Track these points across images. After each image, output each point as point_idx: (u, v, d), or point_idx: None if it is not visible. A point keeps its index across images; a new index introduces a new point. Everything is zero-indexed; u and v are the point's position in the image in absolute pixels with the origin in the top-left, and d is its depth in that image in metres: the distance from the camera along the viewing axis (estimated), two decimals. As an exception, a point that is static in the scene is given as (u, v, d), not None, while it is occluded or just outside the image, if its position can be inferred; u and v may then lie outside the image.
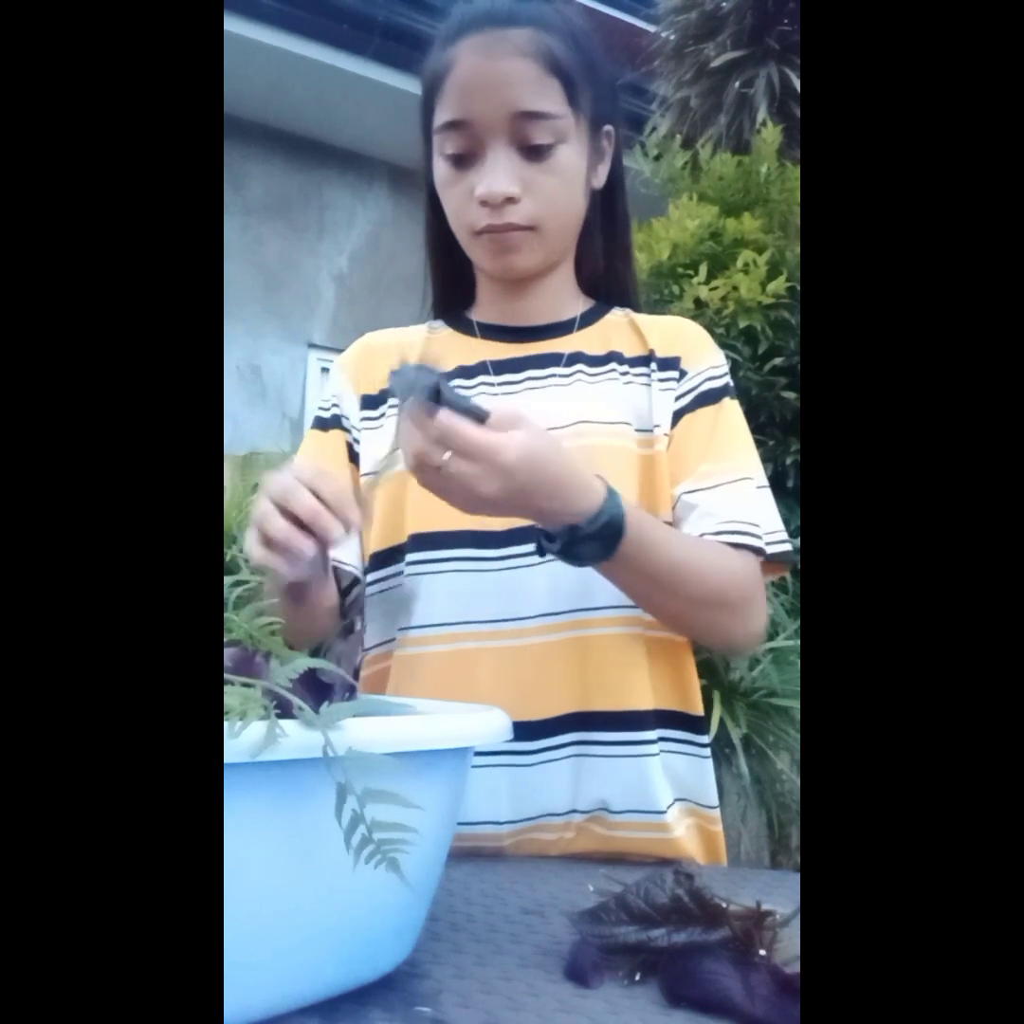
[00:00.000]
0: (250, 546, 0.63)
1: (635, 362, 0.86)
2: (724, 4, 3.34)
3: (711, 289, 2.00)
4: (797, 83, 3.14)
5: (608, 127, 0.86)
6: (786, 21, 3.31)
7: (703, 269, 2.03)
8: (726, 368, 0.88)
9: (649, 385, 0.85)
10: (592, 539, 0.67)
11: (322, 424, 0.90)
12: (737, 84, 3.22)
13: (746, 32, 3.27)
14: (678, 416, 0.84)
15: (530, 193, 0.80)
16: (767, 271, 2.00)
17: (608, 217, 0.90)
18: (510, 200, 0.79)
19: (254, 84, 3.55)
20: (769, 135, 2.24)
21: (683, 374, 0.85)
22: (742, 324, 1.97)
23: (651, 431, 0.83)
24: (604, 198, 0.88)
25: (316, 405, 0.93)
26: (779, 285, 1.98)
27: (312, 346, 4.03)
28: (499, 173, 0.79)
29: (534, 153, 0.79)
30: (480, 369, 0.86)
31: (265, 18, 3.34)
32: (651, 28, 3.45)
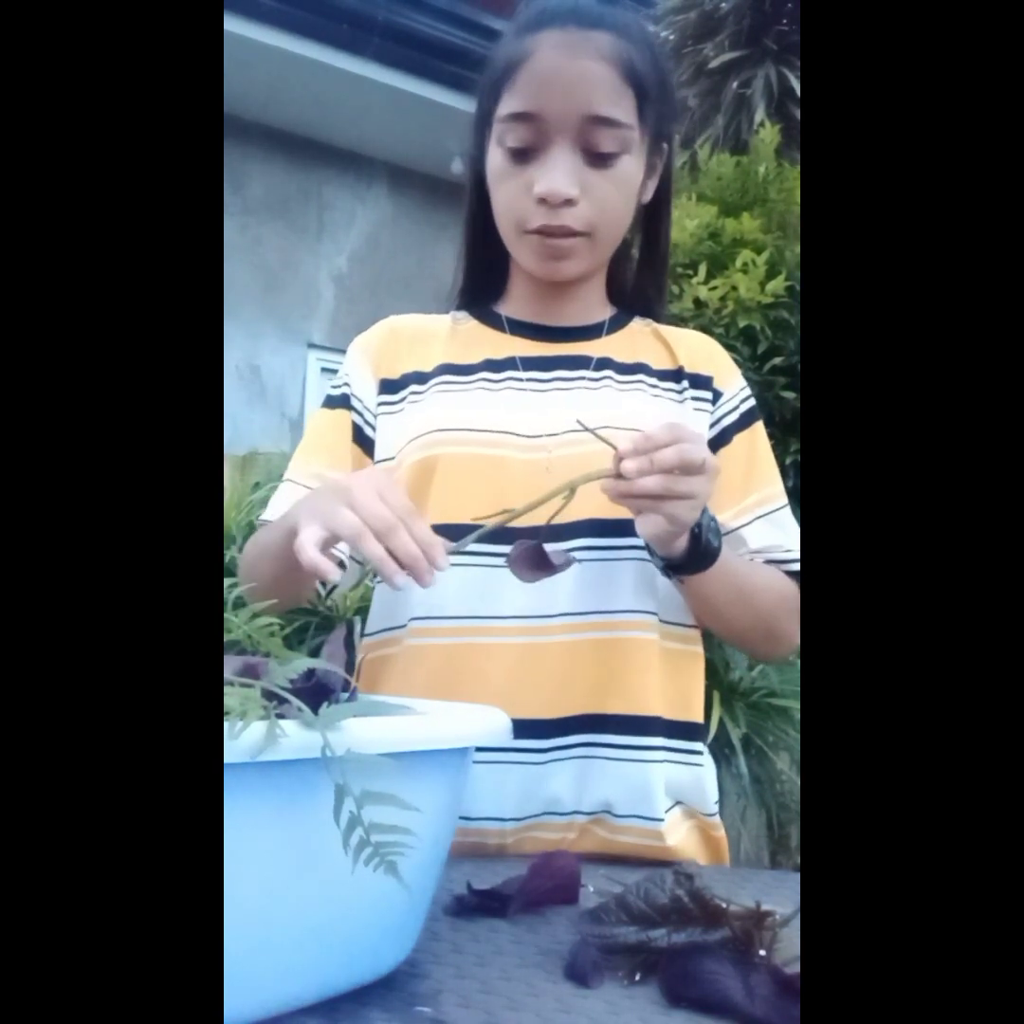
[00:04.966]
0: (309, 546, 0.62)
1: (663, 375, 0.87)
2: (723, 5, 3.35)
3: (710, 289, 2.00)
4: (795, 83, 3.15)
5: (665, 145, 0.86)
6: (784, 21, 3.32)
7: (702, 269, 2.03)
8: (749, 389, 0.90)
9: (682, 402, 0.86)
10: (712, 529, 0.72)
11: (330, 402, 0.90)
12: (735, 84, 3.22)
13: (744, 33, 3.28)
14: (716, 445, 0.86)
15: (588, 197, 0.79)
16: (766, 271, 2.00)
17: (651, 233, 0.91)
18: (568, 202, 0.79)
19: (254, 84, 3.55)
20: (767, 135, 2.24)
21: (717, 395, 0.87)
22: (741, 324, 1.97)
23: None
24: (649, 214, 0.89)
25: (329, 383, 0.93)
26: (778, 285, 1.97)
27: (311, 346, 4.03)
28: (561, 173, 0.78)
29: (598, 159, 0.79)
30: (509, 364, 0.86)
31: (265, 18, 3.34)
32: (650, 28, 3.45)
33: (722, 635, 0.85)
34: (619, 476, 0.65)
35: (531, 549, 0.66)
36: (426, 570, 0.62)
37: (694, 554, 0.72)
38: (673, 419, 0.84)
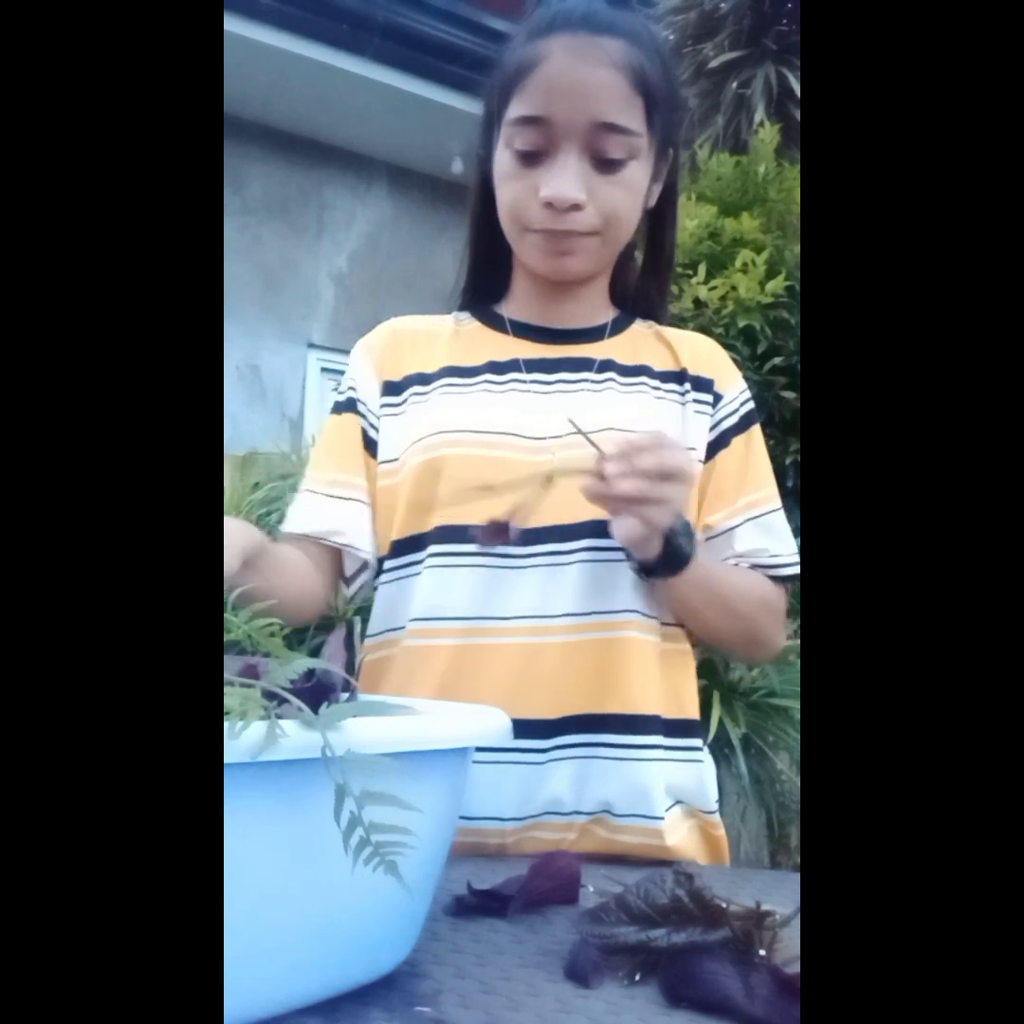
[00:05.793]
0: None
1: (665, 377, 0.87)
2: (723, 5, 3.35)
3: (710, 289, 2.00)
4: (794, 83, 3.15)
5: (671, 150, 0.86)
6: (784, 21, 3.32)
7: (702, 269, 2.03)
8: (749, 392, 0.90)
9: (683, 405, 0.86)
10: (685, 534, 0.73)
11: (338, 408, 0.90)
12: (735, 85, 3.23)
13: (744, 33, 3.28)
14: (714, 448, 0.86)
15: (594, 202, 0.80)
16: (766, 270, 2.00)
17: (655, 237, 0.91)
18: (575, 207, 0.79)
19: (254, 84, 3.55)
20: (767, 135, 2.24)
21: (717, 398, 0.87)
22: (741, 324, 1.97)
23: None
24: (653, 218, 0.89)
25: (335, 388, 0.93)
26: (778, 284, 1.98)
27: (311, 346, 4.03)
28: (569, 178, 0.78)
29: (606, 165, 0.79)
30: (512, 366, 0.86)
31: (265, 18, 3.34)
32: (659, 33, 3.46)
33: (702, 637, 0.85)
34: (600, 477, 0.67)
35: (495, 523, 0.70)
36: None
37: (666, 558, 0.73)
38: (674, 422, 0.85)
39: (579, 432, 0.68)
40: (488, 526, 0.69)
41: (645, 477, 0.66)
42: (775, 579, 0.85)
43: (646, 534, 0.70)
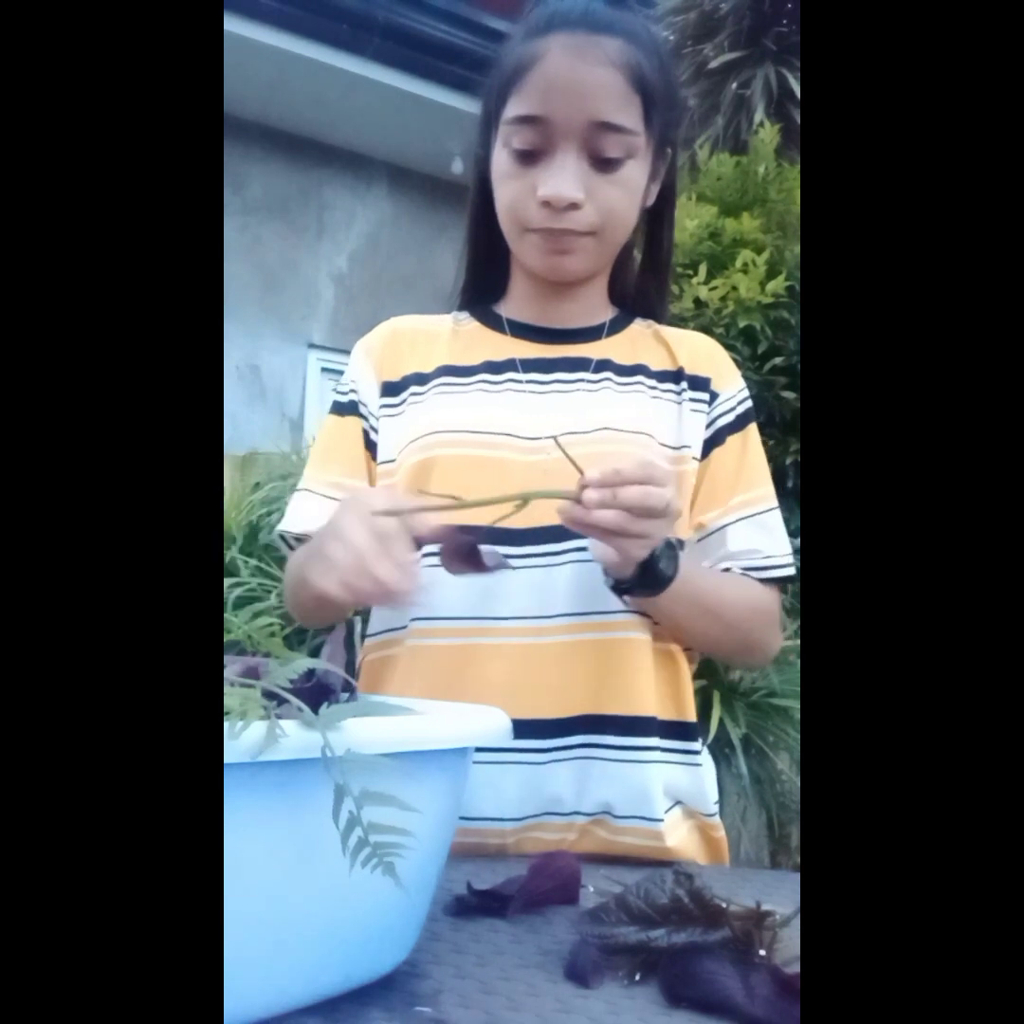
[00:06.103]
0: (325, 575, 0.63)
1: (662, 377, 0.87)
2: (723, 5, 3.35)
3: (710, 289, 2.00)
4: (793, 84, 3.16)
5: (669, 150, 0.86)
6: (784, 22, 3.32)
7: (702, 269, 2.03)
8: (747, 391, 0.90)
9: (680, 403, 0.86)
10: (666, 556, 0.71)
11: (339, 409, 0.90)
12: (734, 85, 3.23)
13: (744, 33, 3.28)
14: (709, 445, 0.86)
15: (592, 201, 0.79)
16: (766, 271, 2.00)
17: (654, 236, 0.91)
18: (573, 206, 0.79)
19: (254, 84, 3.55)
20: (767, 135, 2.24)
21: (714, 397, 0.87)
22: (741, 324, 1.97)
23: (678, 450, 0.84)
24: (652, 217, 0.89)
25: (335, 387, 0.92)
26: (778, 285, 1.98)
27: (311, 346, 4.03)
28: (567, 177, 0.78)
29: (603, 164, 0.79)
30: (508, 366, 0.86)
31: (265, 18, 3.35)
32: (658, 33, 3.46)
33: (694, 647, 0.85)
34: (579, 501, 0.64)
35: (462, 544, 0.65)
36: (400, 598, 0.62)
37: (644, 580, 0.72)
38: (670, 421, 0.85)
39: (565, 455, 0.66)
40: (451, 549, 0.65)
41: (626, 511, 0.64)
42: (769, 581, 0.84)
43: (620, 563, 0.70)
